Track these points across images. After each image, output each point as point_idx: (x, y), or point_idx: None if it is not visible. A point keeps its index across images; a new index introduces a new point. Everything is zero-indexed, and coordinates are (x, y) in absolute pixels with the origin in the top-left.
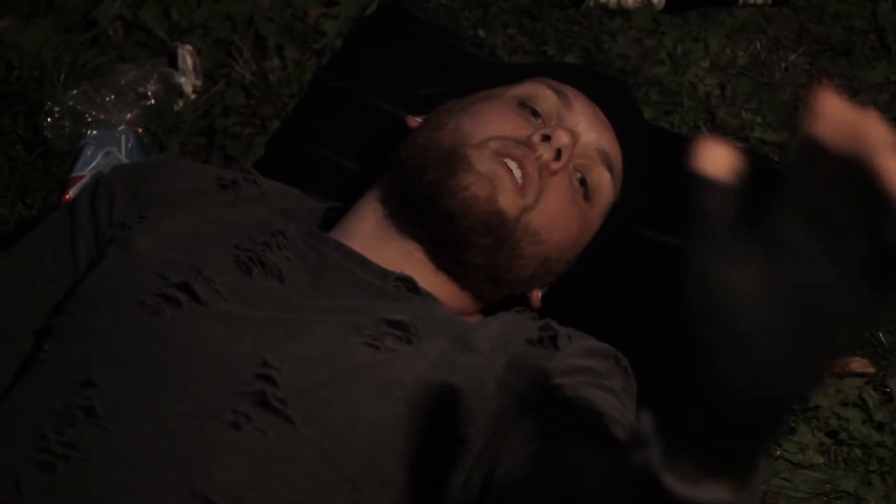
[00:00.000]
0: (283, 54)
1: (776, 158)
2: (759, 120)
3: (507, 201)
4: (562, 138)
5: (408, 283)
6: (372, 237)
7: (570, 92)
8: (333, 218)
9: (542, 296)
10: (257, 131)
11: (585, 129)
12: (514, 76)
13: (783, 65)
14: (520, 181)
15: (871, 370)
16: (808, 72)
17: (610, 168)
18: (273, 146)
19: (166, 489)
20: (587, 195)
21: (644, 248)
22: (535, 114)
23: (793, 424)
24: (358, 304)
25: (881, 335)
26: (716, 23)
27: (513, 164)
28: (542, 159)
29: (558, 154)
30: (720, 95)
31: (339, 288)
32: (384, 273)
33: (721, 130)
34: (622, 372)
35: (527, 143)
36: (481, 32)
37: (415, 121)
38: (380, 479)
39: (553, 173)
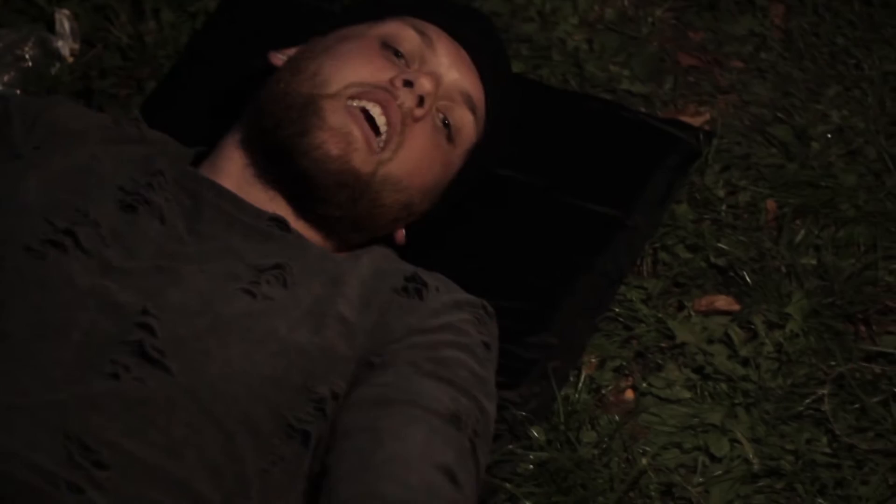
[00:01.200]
0: (160, 17)
1: (642, 109)
2: (626, 73)
3: (361, 159)
4: (424, 85)
5: (280, 223)
6: (240, 179)
7: (434, 32)
8: (201, 158)
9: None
10: (133, 92)
11: (448, 70)
12: (378, 11)
13: (649, 19)
14: (382, 130)
15: (736, 308)
16: (675, 26)
17: (473, 109)
18: (149, 107)
19: (42, 433)
20: (450, 136)
21: (501, 186)
22: (398, 54)
23: (660, 361)
24: (234, 245)
25: (745, 274)
26: None
27: (376, 110)
28: (404, 106)
29: (421, 100)
30: (588, 50)
31: (214, 229)
32: (257, 212)
33: (589, 83)
34: (487, 324)
35: (388, 88)
36: None
37: (278, 58)
38: (253, 432)
39: (416, 120)
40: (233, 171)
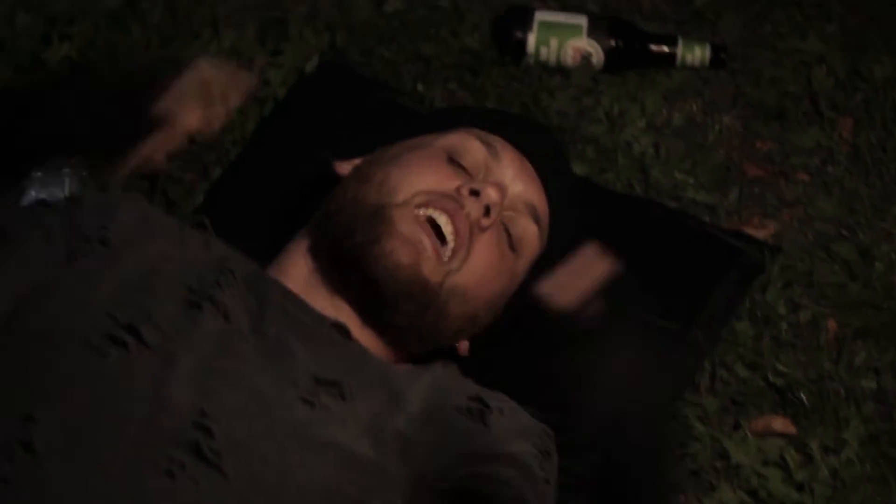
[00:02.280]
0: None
1: (707, 219)
2: (691, 181)
3: (430, 268)
4: (491, 194)
5: (342, 330)
6: (305, 284)
7: (499, 143)
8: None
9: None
10: (199, 177)
11: (512, 181)
12: (443, 123)
13: (717, 127)
14: (449, 239)
15: (793, 430)
16: (742, 134)
17: (537, 220)
18: (213, 193)
19: None
20: (514, 247)
21: None
22: (462, 166)
23: (714, 481)
24: (294, 349)
25: (803, 395)
26: (653, 83)
27: (442, 219)
28: (471, 216)
29: (487, 210)
30: (654, 155)
31: (277, 330)
32: (320, 318)
33: (654, 189)
34: (549, 455)
35: (455, 198)
36: (420, 87)
37: (343, 168)
38: None
39: (483, 230)
40: (298, 276)
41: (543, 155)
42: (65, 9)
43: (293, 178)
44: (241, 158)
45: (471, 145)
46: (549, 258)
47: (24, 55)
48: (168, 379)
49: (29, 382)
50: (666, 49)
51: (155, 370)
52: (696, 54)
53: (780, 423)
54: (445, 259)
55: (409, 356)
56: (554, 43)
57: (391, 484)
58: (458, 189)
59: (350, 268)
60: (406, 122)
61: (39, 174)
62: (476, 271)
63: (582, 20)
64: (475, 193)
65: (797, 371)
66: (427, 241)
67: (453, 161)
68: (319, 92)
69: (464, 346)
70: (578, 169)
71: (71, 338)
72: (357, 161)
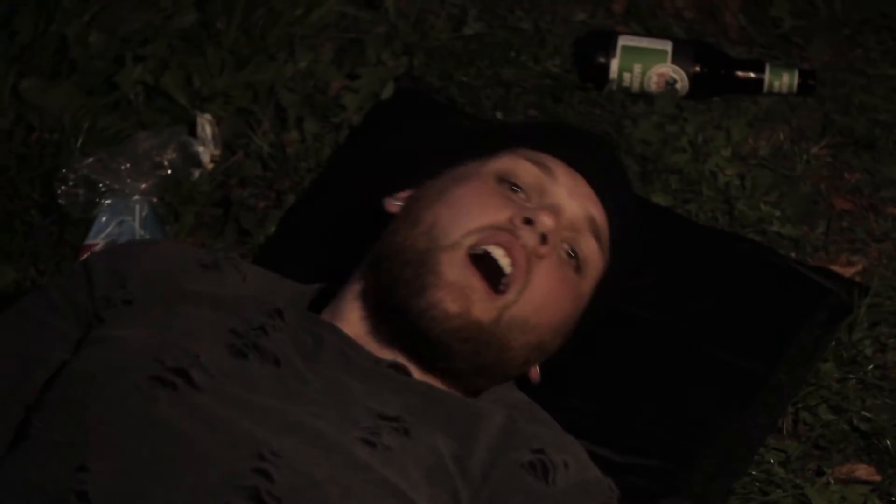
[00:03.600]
0: (303, 127)
1: (793, 255)
2: (777, 213)
3: (482, 309)
4: (545, 222)
5: (399, 369)
6: (361, 328)
7: (550, 161)
8: (322, 299)
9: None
10: (272, 205)
11: (568, 200)
12: (489, 144)
13: (805, 157)
14: (507, 270)
15: (877, 478)
16: (831, 164)
17: (597, 236)
18: (286, 222)
19: None
20: (578, 267)
21: (638, 328)
22: (515, 188)
23: None
24: (353, 388)
25: (888, 442)
26: (739, 111)
27: (498, 252)
28: (528, 246)
29: (543, 238)
30: (740, 186)
31: (333, 371)
32: (376, 359)
33: (739, 222)
34: None
35: (509, 229)
36: (499, 114)
37: (393, 205)
38: None
39: (541, 258)
40: (354, 318)
41: (598, 167)
42: (139, 28)
43: (366, 210)
44: (316, 187)
45: (522, 167)
46: (617, 275)
47: (98, 77)
48: (222, 423)
49: (78, 434)
50: (752, 75)
51: (207, 414)
52: (783, 80)
53: (864, 471)
54: (502, 290)
55: (477, 392)
56: (637, 69)
57: None
58: (510, 220)
59: (398, 320)
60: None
61: (109, 202)
62: (535, 299)
63: (667, 45)
64: (529, 222)
65: (883, 415)
66: (477, 283)
67: (504, 183)
68: (395, 119)
69: (534, 372)
70: (661, 199)
71: (118, 385)
72: (404, 195)
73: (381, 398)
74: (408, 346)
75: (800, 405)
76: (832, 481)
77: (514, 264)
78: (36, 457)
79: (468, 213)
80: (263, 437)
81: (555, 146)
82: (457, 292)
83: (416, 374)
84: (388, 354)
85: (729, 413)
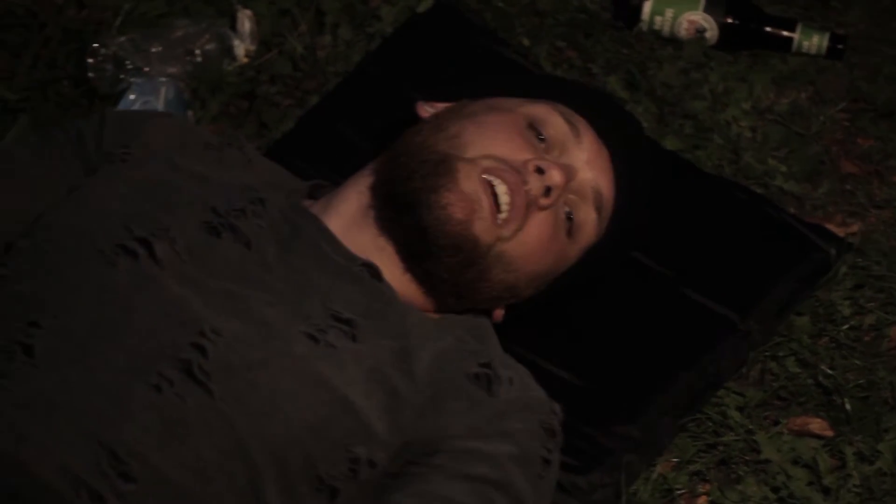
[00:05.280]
0: (337, 33)
1: (791, 210)
2: (783, 169)
3: (483, 228)
4: (554, 176)
5: (372, 271)
6: (350, 221)
7: (582, 125)
8: (318, 195)
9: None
10: (296, 104)
11: (585, 166)
12: (531, 90)
13: (821, 118)
14: (504, 209)
15: (829, 433)
16: (846, 129)
17: (599, 209)
18: (304, 121)
19: (76, 436)
20: (570, 231)
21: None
22: (541, 137)
23: (741, 473)
24: (318, 283)
25: (847, 401)
26: (766, 67)
27: (502, 188)
28: (531, 193)
29: (548, 191)
30: (751, 138)
31: (305, 263)
32: (352, 256)
33: (744, 173)
34: (554, 434)
35: (520, 170)
36: (526, 41)
37: (425, 110)
38: (283, 474)
39: (541, 208)
40: (344, 211)
41: (624, 147)
42: None
43: (384, 116)
44: (339, 90)
45: (554, 120)
46: (601, 251)
47: None
48: (172, 297)
49: (38, 288)
50: (783, 32)
51: (161, 286)
52: (813, 42)
53: (818, 425)
54: (500, 222)
55: (442, 311)
56: (669, 13)
57: (375, 437)
58: (525, 163)
59: (404, 210)
60: (505, 75)
61: (140, 81)
62: (525, 244)
63: None
64: (540, 171)
65: (849, 374)
66: (485, 201)
67: (532, 129)
68: (426, 33)
69: (498, 313)
70: (671, 144)
71: (84, 246)
72: (440, 105)
73: (344, 297)
74: (399, 240)
75: (768, 354)
76: (785, 432)
77: (511, 204)
78: None
79: (492, 138)
80: (209, 316)
81: (593, 113)
82: (466, 202)
83: (390, 277)
84: (373, 252)
85: (693, 353)
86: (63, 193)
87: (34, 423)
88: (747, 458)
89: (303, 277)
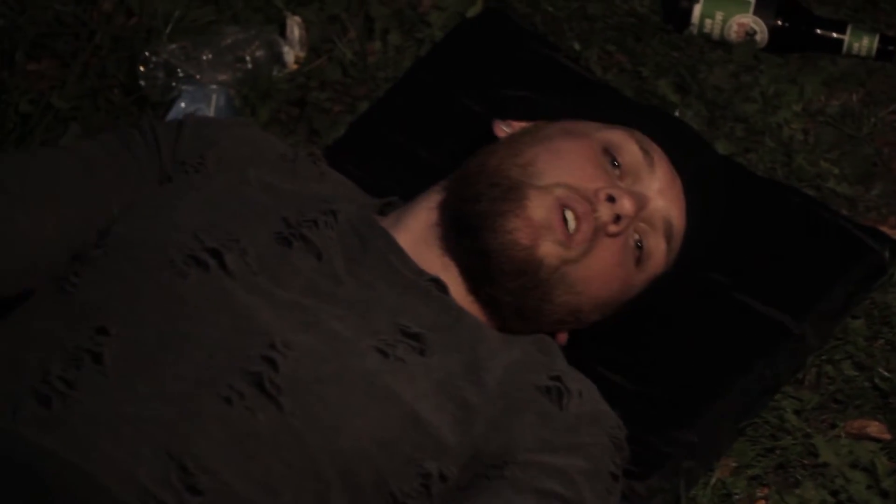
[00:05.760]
0: (387, 38)
1: (844, 212)
2: (836, 171)
3: (549, 250)
4: (625, 205)
5: (439, 286)
6: (418, 237)
7: (657, 153)
8: (388, 211)
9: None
10: (346, 110)
11: (657, 195)
12: (609, 114)
13: (872, 120)
14: (571, 232)
15: (887, 437)
16: None
17: (669, 238)
18: (355, 127)
19: (146, 446)
20: (640, 259)
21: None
22: (616, 163)
23: (799, 477)
24: (387, 298)
25: None
26: (816, 69)
27: (570, 216)
28: (600, 220)
29: (617, 218)
30: (803, 141)
31: (372, 277)
32: (419, 271)
33: (796, 176)
34: (622, 449)
35: (591, 199)
36: (577, 45)
37: (501, 129)
38: (352, 489)
39: (609, 235)
40: (414, 227)
41: (698, 180)
42: None
43: (436, 123)
44: (390, 96)
45: (629, 147)
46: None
47: None
48: (243, 309)
49: (107, 297)
50: (833, 34)
51: (231, 297)
52: (863, 43)
53: (875, 428)
54: (564, 243)
55: (507, 331)
56: (719, 16)
57: (447, 451)
58: (596, 191)
59: (469, 232)
60: (560, 81)
61: (191, 88)
62: (591, 268)
63: None
64: (611, 199)
65: None
66: (557, 223)
67: (607, 155)
68: (476, 38)
69: (562, 336)
70: (723, 147)
71: (155, 256)
72: (516, 125)
73: (412, 311)
74: (463, 262)
75: (824, 358)
76: (843, 435)
77: (578, 230)
78: (63, 311)
79: (567, 167)
80: (279, 329)
81: (668, 142)
82: (532, 229)
83: (456, 295)
84: (439, 268)
85: (749, 358)
86: (136, 199)
87: (103, 434)
88: (805, 461)
89: (371, 291)
